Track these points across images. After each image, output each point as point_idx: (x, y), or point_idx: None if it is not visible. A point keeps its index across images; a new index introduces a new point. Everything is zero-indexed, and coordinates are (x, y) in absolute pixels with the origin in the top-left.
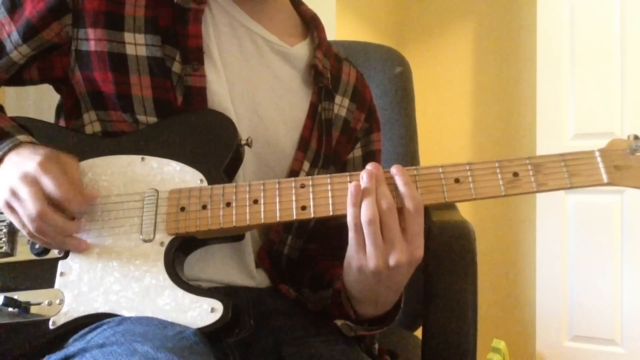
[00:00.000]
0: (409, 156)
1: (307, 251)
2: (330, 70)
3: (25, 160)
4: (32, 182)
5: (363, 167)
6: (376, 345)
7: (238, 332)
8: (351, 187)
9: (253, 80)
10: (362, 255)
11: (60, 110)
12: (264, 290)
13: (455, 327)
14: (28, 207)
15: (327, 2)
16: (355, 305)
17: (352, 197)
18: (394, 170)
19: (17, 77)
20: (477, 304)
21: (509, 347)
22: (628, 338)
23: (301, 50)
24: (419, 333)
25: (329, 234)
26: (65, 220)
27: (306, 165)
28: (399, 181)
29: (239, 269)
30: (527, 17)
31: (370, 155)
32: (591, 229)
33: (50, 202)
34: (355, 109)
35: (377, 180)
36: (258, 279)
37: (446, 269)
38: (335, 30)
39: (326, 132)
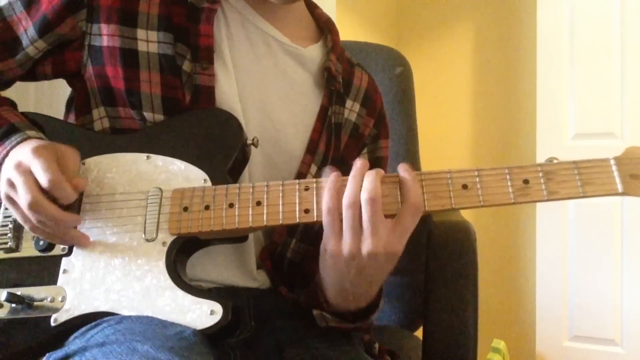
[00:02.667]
0: (409, 156)
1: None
2: (343, 74)
3: (21, 149)
4: (25, 170)
5: None
6: (376, 345)
7: (239, 333)
8: (332, 175)
9: (264, 81)
10: (336, 240)
11: (70, 105)
12: (265, 291)
13: (455, 327)
14: (21, 196)
15: (327, 2)
16: (328, 296)
17: (329, 183)
18: (402, 167)
19: (31, 72)
20: (478, 304)
21: (509, 347)
22: (628, 338)
23: (314, 52)
24: (419, 333)
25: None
26: (60, 210)
27: (313, 169)
28: (405, 179)
29: (240, 270)
30: (527, 17)
31: (376, 162)
32: (591, 229)
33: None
34: (365, 114)
35: (372, 175)
36: (260, 280)
37: (447, 269)
38: None
39: (335, 136)
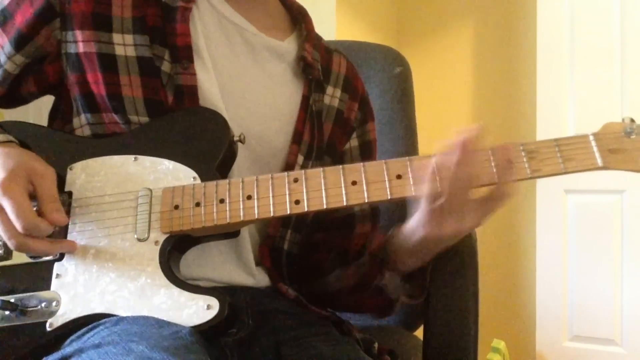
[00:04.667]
0: (408, 156)
1: (312, 241)
2: (321, 61)
3: None
4: (1, 209)
5: (360, 157)
6: (376, 345)
7: (236, 332)
8: (432, 162)
9: (243, 77)
10: (433, 225)
11: (53, 115)
12: (262, 289)
13: (455, 327)
14: (5, 239)
15: (327, 2)
16: (399, 262)
17: (431, 174)
18: (502, 148)
19: (17, 94)
20: (478, 304)
21: (509, 347)
22: (628, 338)
23: (290, 44)
24: (419, 333)
25: (333, 227)
26: (47, 244)
27: (300, 159)
28: (502, 163)
29: (238, 267)
30: (527, 17)
31: (367, 145)
32: (591, 229)
33: None
34: (347, 99)
35: (464, 155)
36: (258, 277)
37: (447, 269)
38: (335, 30)
39: (318, 124)
